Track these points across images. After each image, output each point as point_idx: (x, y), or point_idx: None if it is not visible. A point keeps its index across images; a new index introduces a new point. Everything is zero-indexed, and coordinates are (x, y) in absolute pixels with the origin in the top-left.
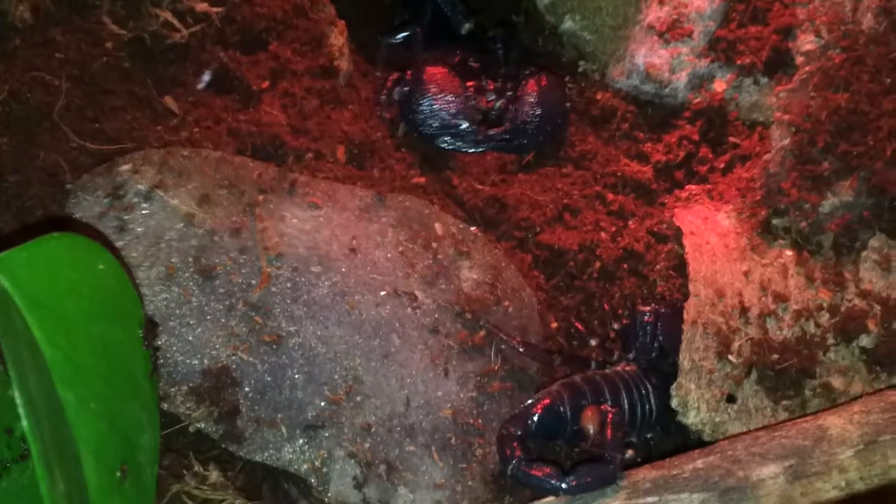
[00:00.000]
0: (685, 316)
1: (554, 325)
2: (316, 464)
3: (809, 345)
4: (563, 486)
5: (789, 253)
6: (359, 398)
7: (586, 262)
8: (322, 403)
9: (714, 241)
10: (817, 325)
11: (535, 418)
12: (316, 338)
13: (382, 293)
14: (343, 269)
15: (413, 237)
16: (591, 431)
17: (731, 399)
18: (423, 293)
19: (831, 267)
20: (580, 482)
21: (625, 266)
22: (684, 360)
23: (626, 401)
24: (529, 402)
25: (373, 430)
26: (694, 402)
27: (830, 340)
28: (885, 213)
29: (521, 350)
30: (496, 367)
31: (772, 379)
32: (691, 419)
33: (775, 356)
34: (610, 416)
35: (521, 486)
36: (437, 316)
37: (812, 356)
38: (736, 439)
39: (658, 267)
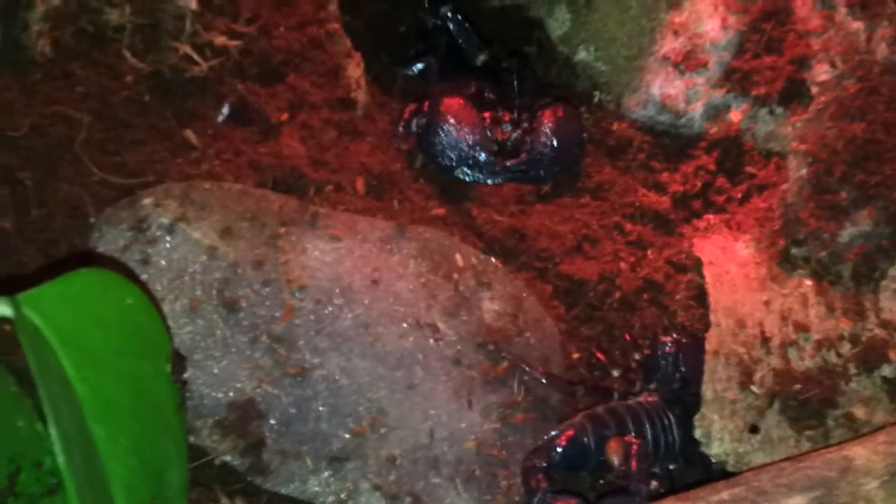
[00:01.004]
0: (707, 346)
1: (575, 355)
2: (341, 496)
3: (831, 374)
4: None
5: (809, 283)
6: (383, 430)
7: (606, 292)
8: (347, 435)
9: (734, 270)
10: (839, 355)
11: (560, 450)
12: (340, 370)
13: (405, 325)
14: (365, 301)
15: (434, 268)
16: (616, 463)
17: (754, 429)
18: (444, 324)
19: (851, 296)
20: None
21: (645, 296)
22: (707, 391)
23: (649, 432)
24: (553, 433)
25: (397, 461)
26: (717, 433)
27: (852, 370)
28: None
29: (544, 381)
30: (519, 399)
31: (794, 409)
32: (714, 450)
33: (798, 386)
34: (634, 447)
35: None
36: (459, 347)
37: (834, 386)
38: (761, 470)
39: (678, 297)
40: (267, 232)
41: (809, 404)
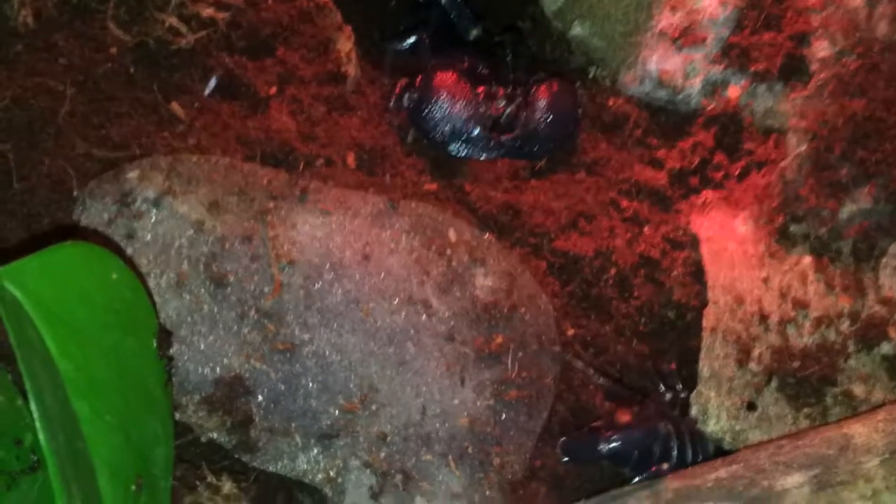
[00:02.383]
0: (704, 323)
1: (570, 331)
2: (331, 474)
3: (830, 352)
4: None
5: (808, 260)
6: (374, 407)
7: (602, 268)
8: (337, 412)
9: (732, 247)
10: (838, 333)
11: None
12: (330, 346)
13: (396, 300)
14: (356, 277)
15: (427, 244)
16: None
17: (751, 407)
18: (437, 300)
19: (851, 274)
20: None
21: (641, 273)
22: (704, 368)
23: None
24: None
25: (389, 439)
26: (714, 410)
27: (851, 348)
28: None
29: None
30: (513, 375)
31: (792, 386)
32: (711, 427)
33: (796, 363)
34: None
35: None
36: (452, 323)
37: (833, 363)
38: (759, 448)
39: (674, 273)
40: (255, 206)
41: (808, 382)
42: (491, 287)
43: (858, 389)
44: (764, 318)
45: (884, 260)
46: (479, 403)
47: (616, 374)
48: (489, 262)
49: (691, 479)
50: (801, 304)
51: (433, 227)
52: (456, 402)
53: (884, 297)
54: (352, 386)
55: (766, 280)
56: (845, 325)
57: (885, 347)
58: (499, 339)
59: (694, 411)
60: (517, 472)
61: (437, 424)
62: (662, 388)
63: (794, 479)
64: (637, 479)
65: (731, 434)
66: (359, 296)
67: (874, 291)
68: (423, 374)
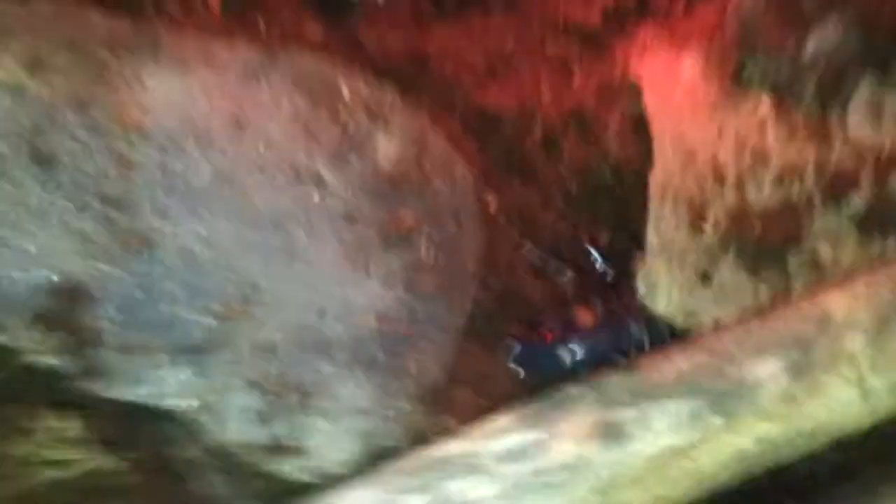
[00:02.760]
0: (652, 186)
1: (492, 203)
2: (209, 399)
3: (794, 210)
4: None
5: (767, 105)
6: (258, 311)
7: (527, 126)
8: (211, 321)
9: (679, 94)
10: (802, 187)
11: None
12: (198, 238)
13: (280, 177)
14: (228, 150)
15: (314, 105)
16: None
17: (706, 278)
18: (331, 174)
19: (815, 119)
20: None
21: (572, 129)
22: (652, 237)
23: None
24: None
25: (278, 350)
26: (664, 286)
27: (817, 204)
28: (873, 53)
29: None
30: (427, 261)
31: (752, 253)
32: (661, 305)
33: (756, 225)
34: None
35: None
36: (351, 201)
37: (797, 223)
38: (723, 332)
39: (611, 129)
40: (92, 63)
41: (769, 246)
42: (396, 155)
43: (825, 251)
44: (720, 175)
45: (852, 101)
46: (387, 298)
47: (547, 253)
48: (392, 125)
49: (647, 373)
50: (760, 157)
51: (322, 83)
52: (360, 298)
53: (853, 143)
54: (229, 287)
55: (720, 130)
56: (810, 178)
57: (855, 202)
58: (408, 218)
59: (641, 288)
60: (437, 378)
61: (339, 328)
62: (601, 264)
63: (767, 367)
64: None
65: (684, 312)
66: (232, 174)
67: (841, 137)
68: (317, 267)
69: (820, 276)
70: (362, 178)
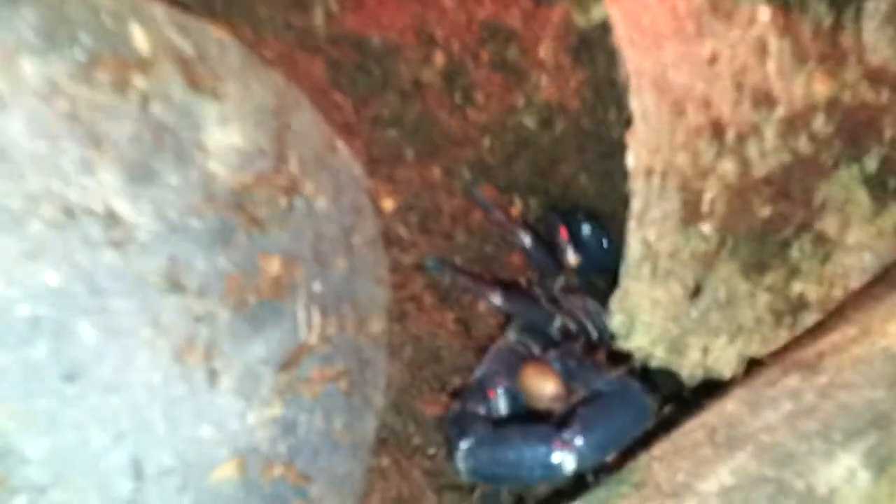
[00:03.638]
0: (631, 162)
1: (389, 204)
2: None
3: (804, 174)
4: None
5: (766, 14)
6: (16, 485)
7: (422, 59)
8: None
9: (653, 5)
10: (811, 140)
11: None
12: None
13: (36, 222)
14: None
15: (84, 73)
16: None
17: (696, 291)
18: (129, 203)
19: (826, 34)
20: None
21: (485, 57)
22: (634, 245)
23: None
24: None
25: None
26: (646, 313)
27: (827, 162)
28: None
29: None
30: (312, 340)
31: (752, 246)
32: (637, 340)
33: (757, 204)
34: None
35: None
36: (170, 248)
37: (807, 194)
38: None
39: (543, 54)
40: None
41: (772, 231)
42: (238, 144)
43: (831, 226)
44: (718, 132)
45: (868, 4)
46: (252, 420)
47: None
48: (228, 91)
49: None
50: (763, 99)
51: (92, 27)
52: (204, 430)
53: (871, 69)
54: None
55: (712, 61)
56: (820, 126)
57: (871, 158)
58: (273, 264)
59: (615, 323)
60: None
61: (171, 490)
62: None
63: (841, 465)
64: None
65: (667, 343)
66: None
67: (857, 59)
68: (120, 390)
69: (825, 261)
70: (186, 202)
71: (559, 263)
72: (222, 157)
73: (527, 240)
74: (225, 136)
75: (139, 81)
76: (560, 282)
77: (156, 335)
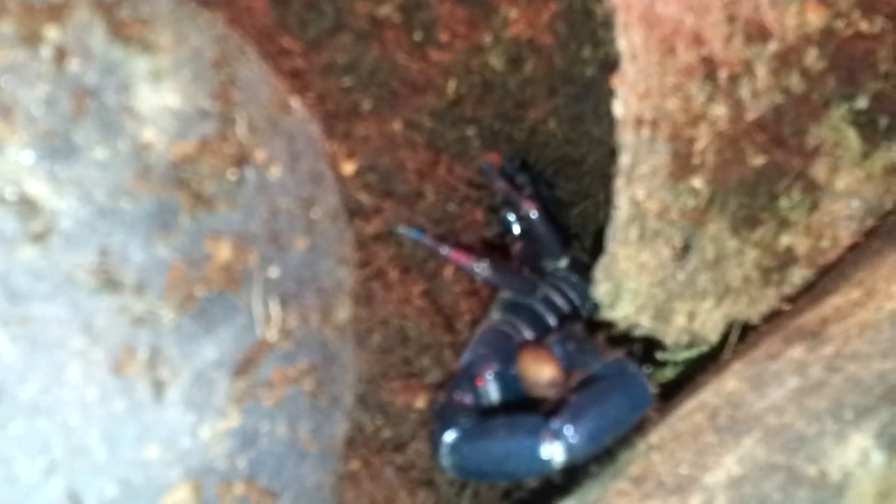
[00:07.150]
0: (618, 111)
1: (349, 168)
2: None
3: (796, 115)
4: None
5: None
6: None
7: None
8: None
9: None
10: (803, 77)
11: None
12: None
13: None
14: None
15: None
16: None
17: (684, 252)
18: (47, 185)
19: None
20: None
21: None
22: (622, 206)
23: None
24: None
25: None
26: (632, 283)
27: (817, 101)
28: None
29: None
30: (271, 337)
31: (742, 198)
32: (623, 309)
33: (750, 151)
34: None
35: None
36: (100, 239)
37: (799, 138)
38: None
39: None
40: None
41: (763, 180)
42: (176, 108)
43: (820, 172)
44: (710, 71)
45: None
46: (204, 435)
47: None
48: (161, 43)
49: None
50: (756, 33)
51: None
52: (149, 452)
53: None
54: None
55: None
56: (812, 58)
57: (864, 95)
58: (224, 249)
59: (600, 292)
60: None
61: None
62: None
63: (854, 446)
64: None
65: (653, 310)
66: None
67: None
68: (48, 412)
69: (813, 209)
70: (118, 180)
71: (567, 241)
72: (157, 122)
73: (535, 215)
74: (159, 97)
75: (52, 32)
76: (564, 261)
77: (89, 344)
